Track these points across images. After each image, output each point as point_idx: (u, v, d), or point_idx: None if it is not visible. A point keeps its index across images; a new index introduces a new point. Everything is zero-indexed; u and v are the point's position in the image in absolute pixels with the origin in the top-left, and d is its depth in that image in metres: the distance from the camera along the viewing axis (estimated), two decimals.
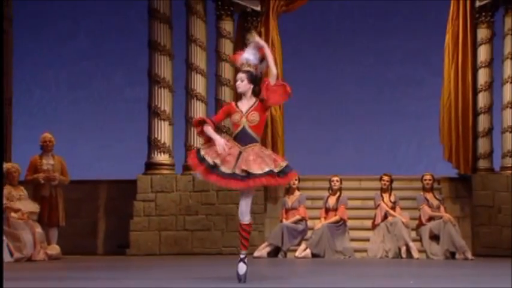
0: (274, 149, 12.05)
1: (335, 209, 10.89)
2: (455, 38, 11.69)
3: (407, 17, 13.51)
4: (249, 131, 6.16)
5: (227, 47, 12.04)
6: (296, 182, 11.09)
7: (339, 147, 13.90)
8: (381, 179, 11.03)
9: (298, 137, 13.06)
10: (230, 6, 12.04)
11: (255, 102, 6.24)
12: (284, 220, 10.93)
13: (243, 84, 6.25)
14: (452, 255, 10.47)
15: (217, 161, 6.00)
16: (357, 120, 13.99)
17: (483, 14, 11.68)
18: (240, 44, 12.26)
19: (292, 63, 12.79)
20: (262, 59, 6.30)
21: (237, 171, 5.99)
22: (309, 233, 10.92)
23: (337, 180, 11.00)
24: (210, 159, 6.01)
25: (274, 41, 12.07)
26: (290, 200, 11.06)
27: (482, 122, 11.72)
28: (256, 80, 6.28)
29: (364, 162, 13.27)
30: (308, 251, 10.64)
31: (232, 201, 11.65)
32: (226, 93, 12.05)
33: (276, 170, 6.07)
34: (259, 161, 6.03)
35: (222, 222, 11.56)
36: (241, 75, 6.29)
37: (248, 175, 5.98)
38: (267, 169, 6.03)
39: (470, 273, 7.78)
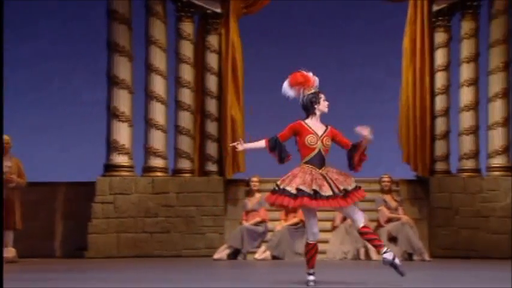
0: (235, 151, 12.03)
1: (295, 211, 10.93)
2: (413, 42, 11.82)
3: (367, 20, 13.63)
4: (323, 154, 6.26)
5: (187, 48, 12.02)
6: (257, 184, 11.11)
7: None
8: None
9: (258, 139, 13.05)
10: (190, 7, 12.01)
11: (327, 127, 6.37)
12: (244, 222, 10.94)
13: (327, 104, 6.43)
14: (410, 256, 10.58)
15: (316, 188, 6.11)
16: None
17: (440, 18, 11.85)
18: (201, 46, 12.26)
19: (253, 66, 12.79)
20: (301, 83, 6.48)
21: (337, 191, 6.14)
22: (269, 235, 10.94)
23: None
24: (307, 189, 6.11)
25: (235, 43, 12.07)
26: (251, 202, 11.07)
27: (440, 125, 11.87)
28: (304, 106, 6.47)
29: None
30: (268, 253, 10.66)
31: (192, 203, 11.63)
32: (186, 95, 12.02)
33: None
34: (345, 179, 6.22)
35: (182, 225, 11.52)
36: (324, 96, 6.40)
37: (346, 193, 6.15)
38: (354, 185, 6.23)
39: (428, 274, 7.87)
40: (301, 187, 6.11)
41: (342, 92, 14.09)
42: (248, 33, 12.38)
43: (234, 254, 10.73)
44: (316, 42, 13.94)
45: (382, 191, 11.10)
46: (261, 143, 6.38)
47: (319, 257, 10.77)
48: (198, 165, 12.18)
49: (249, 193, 11.18)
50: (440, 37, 11.90)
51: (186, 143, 12.00)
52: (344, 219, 10.95)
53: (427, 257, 10.51)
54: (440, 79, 11.91)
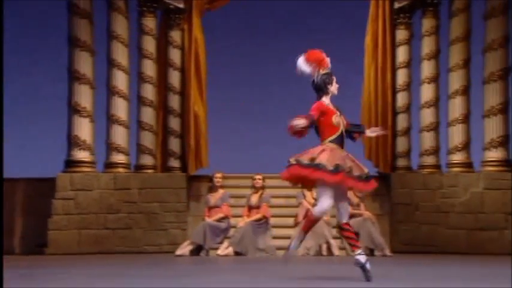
0: (198, 146, 12.03)
1: (258, 207, 10.94)
2: (375, 39, 11.92)
3: (330, 17, 13.69)
4: (344, 135, 6.22)
5: (150, 44, 11.95)
6: (220, 180, 11.10)
7: (262, 146, 13.97)
8: None
9: (221, 135, 13.06)
10: (153, 3, 11.95)
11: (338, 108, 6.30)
12: (207, 218, 10.92)
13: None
14: (371, 252, 10.67)
15: (350, 165, 6.02)
16: (280, 119, 14.05)
17: (401, 15, 11.96)
18: (163, 42, 12.20)
19: (216, 61, 12.78)
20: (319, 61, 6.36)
21: (362, 174, 6.07)
22: (232, 231, 10.93)
23: (259, 179, 11.05)
24: (345, 166, 6.00)
25: (198, 39, 12.04)
26: (213, 198, 11.05)
27: (401, 121, 11.99)
28: (318, 85, 6.37)
29: (287, 161, 13.36)
30: (230, 249, 10.65)
31: (155, 199, 11.58)
32: (148, 91, 11.95)
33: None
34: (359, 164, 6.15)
35: (144, 221, 11.47)
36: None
37: (366, 177, 6.08)
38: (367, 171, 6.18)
39: (389, 269, 7.94)
40: (339, 163, 6.01)
41: (306, 88, 14.14)
42: (211, 29, 12.35)
43: (197, 250, 10.70)
44: (278, 39, 13.97)
45: None
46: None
47: (281, 253, 10.90)
48: (160, 161, 12.13)
49: (212, 189, 11.17)
50: (401, 34, 12.02)
51: (148, 139, 11.94)
52: (307, 215, 10.98)
53: (388, 252, 10.61)
54: (401, 76, 12.03)
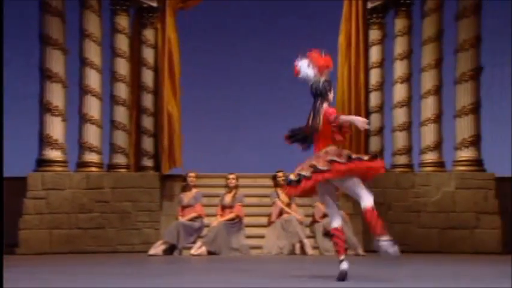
0: (171, 146, 11.99)
1: (231, 207, 10.94)
2: (348, 39, 11.97)
3: (303, 16, 13.73)
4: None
5: (123, 42, 11.89)
6: (194, 180, 11.08)
7: (236, 145, 13.98)
8: (275, 176, 11.17)
9: (195, 134, 13.04)
10: (126, 1, 11.88)
11: None
12: (180, 217, 10.89)
13: None
14: (345, 251, 10.70)
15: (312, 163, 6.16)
16: (253, 119, 14.11)
17: (374, 15, 12.03)
18: (136, 40, 12.14)
19: (190, 61, 12.75)
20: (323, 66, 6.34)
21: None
22: (205, 231, 10.92)
23: (233, 178, 11.05)
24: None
25: (172, 38, 12.00)
26: (186, 197, 11.03)
27: (374, 121, 12.06)
28: (318, 90, 6.35)
29: (260, 160, 13.40)
30: (204, 249, 10.63)
31: (127, 198, 11.52)
32: (121, 90, 11.89)
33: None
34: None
35: (117, 220, 11.41)
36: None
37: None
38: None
39: (362, 268, 7.98)
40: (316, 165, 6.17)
41: (279, 88, 14.18)
42: (185, 28, 12.32)
43: (170, 250, 10.67)
44: (252, 38, 13.98)
45: None
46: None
47: (254, 252, 10.92)
48: (133, 161, 12.07)
49: (186, 188, 11.15)
50: (374, 34, 12.09)
51: (121, 138, 11.87)
52: (280, 214, 11.02)
53: (361, 251, 10.66)
54: (374, 76, 12.10)
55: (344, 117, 6.17)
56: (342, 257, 6.19)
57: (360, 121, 6.08)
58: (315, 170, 6.13)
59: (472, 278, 6.80)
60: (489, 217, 11.30)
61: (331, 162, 6.07)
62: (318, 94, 6.32)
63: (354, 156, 6.16)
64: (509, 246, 11.36)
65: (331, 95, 6.36)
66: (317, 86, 6.31)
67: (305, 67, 6.38)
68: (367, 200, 6.19)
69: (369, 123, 6.23)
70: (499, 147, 12.43)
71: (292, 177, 6.33)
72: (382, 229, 6.12)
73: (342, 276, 6.14)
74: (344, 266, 6.16)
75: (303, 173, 6.20)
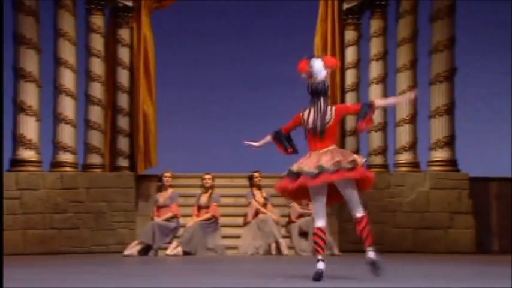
0: (147, 146, 11.95)
1: (207, 207, 10.94)
2: (324, 39, 12.01)
3: (280, 16, 13.77)
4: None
5: (98, 42, 11.82)
6: (170, 180, 11.06)
7: (212, 145, 13.97)
8: (252, 177, 11.18)
9: (171, 134, 13.02)
10: (101, 0, 11.82)
11: None
12: (156, 218, 10.86)
13: None
14: None
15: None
16: (230, 118, 14.12)
17: (350, 16, 12.09)
18: (112, 40, 12.08)
19: (166, 61, 12.73)
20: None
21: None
22: (181, 231, 10.90)
23: (209, 178, 11.05)
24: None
25: (147, 37, 11.96)
26: (162, 198, 11.00)
27: (350, 121, 12.10)
28: (312, 90, 6.51)
29: (236, 160, 13.39)
30: (179, 249, 10.62)
31: (102, 199, 11.47)
32: (96, 89, 11.83)
33: None
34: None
35: (92, 221, 11.35)
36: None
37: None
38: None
39: (337, 268, 8.03)
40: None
41: (255, 88, 14.21)
42: (161, 28, 12.29)
43: (145, 250, 10.64)
44: (229, 38, 13.99)
45: None
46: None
47: (230, 252, 10.92)
48: (108, 161, 12.02)
49: (161, 188, 11.12)
50: (350, 35, 12.14)
51: (96, 138, 11.81)
52: (256, 214, 11.03)
53: (336, 251, 10.72)
54: (350, 76, 12.16)
55: (382, 102, 6.52)
56: (320, 257, 6.21)
57: (405, 98, 6.46)
58: (322, 170, 6.13)
59: (446, 278, 6.87)
60: (463, 217, 11.41)
61: (339, 164, 6.15)
62: (321, 93, 6.43)
63: (358, 160, 6.20)
64: (483, 245, 11.49)
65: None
66: (322, 86, 6.42)
67: (321, 67, 6.48)
68: (361, 209, 6.28)
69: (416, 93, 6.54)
70: (473, 148, 12.57)
71: (295, 169, 6.30)
72: (372, 239, 6.18)
73: (318, 276, 6.18)
74: (320, 265, 6.20)
75: (305, 169, 6.18)
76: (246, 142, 6.69)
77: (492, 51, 13.58)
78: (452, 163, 11.67)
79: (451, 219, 11.42)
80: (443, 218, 11.42)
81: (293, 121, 6.58)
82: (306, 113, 6.48)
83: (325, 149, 6.30)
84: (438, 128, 11.65)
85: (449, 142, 11.65)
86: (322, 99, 6.43)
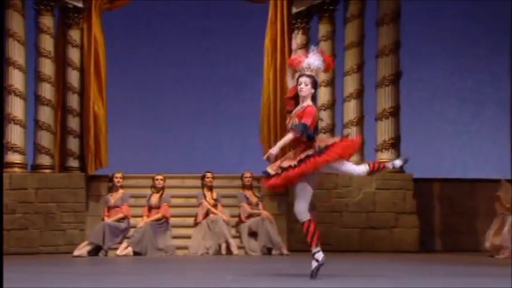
0: (97, 146, 11.95)
1: (158, 207, 11.00)
2: (274, 42, 12.17)
3: (230, 18, 13.87)
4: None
5: (47, 42, 11.77)
6: (120, 180, 11.08)
7: (163, 146, 14.01)
8: (203, 177, 11.28)
9: (121, 135, 13.02)
10: (50, 1, 11.77)
11: (301, 108, 6.32)
12: (106, 218, 10.87)
13: (307, 88, 6.30)
14: (269, 250, 10.93)
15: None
16: (181, 120, 14.17)
17: (299, 20, 12.29)
18: (62, 41, 12.04)
19: (117, 61, 12.73)
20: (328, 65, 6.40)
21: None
22: (132, 231, 10.93)
23: (161, 179, 11.11)
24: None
25: (98, 39, 11.95)
26: (113, 198, 11.01)
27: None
28: (316, 85, 6.39)
29: (187, 161, 13.48)
30: (129, 249, 10.65)
31: (52, 199, 11.43)
32: (46, 90, 11.77)
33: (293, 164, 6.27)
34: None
35: (41, 221, 11.30)
36: (305, 79, 6.31)
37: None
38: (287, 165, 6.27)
39: (286, 267, 8.19)
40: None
41: (207, 89, 14.28)
42: (112, 29, 12.30)
43: (95, 251, 10.64)
44: (179, 39, 14.03)
45: (244, 187, 11.39)
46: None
47: (180, 252, 10.99)
48: (58, 161, 11.98)
49: (112, 189, 11.13)
50: (299, 38, 12.31)
51: (46, 139, 11.76)
52: (206, 214, 11.14)
53: (285, 250, 10.89)
54: None
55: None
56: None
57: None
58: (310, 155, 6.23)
59: (388, 277, 7.08)
60: (407, 217, 11.71)
61: (327, 148, 6.26)
62: (315, 88, 6.50)
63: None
64: (425, 244, 11.82)
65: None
66: (316, 80, 6.48)
67: (319, 61, 6.48)
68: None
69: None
70: (417, 149, 12.88)
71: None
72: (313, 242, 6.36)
73: (315, 271, 6.29)
74: (320, 257, 6.31)
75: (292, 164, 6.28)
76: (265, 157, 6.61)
77: (434, 56, 13.95)
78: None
79: (396, 219, 11.70)
80: (388, 218, 11.69)
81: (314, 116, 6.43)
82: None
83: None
84: (384, 130, 11.92)
85: (395, 144, 11.93)
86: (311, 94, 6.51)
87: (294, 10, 12.22)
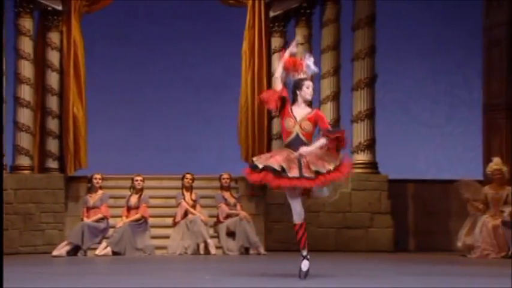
0: (77, 147, 12.02)
1: (137, 208, 11.09)
2: (251, 45, 12.31)
3: (210, 21, 13.97)
4: (303, 138, 6.34)
5: (27, 44, 11.81)
6: (100, 181, 11.16)
7: (142, 147, 14.08)
8: (183, 178, 11.40)
9: (101, 136, 13.08)
10: (29, 3, 11.81)
11: (310, 112, 6.37)
12: (85, 219, 10.95)
13: (311, 91, 6.39)
14: (247, 250, 11.07)
15: (284, 166, 6.18)
16: (160, 121, 14.25)
17: (276, 24, 12.44)
18: (41, 43, 12.09)
19: (98, 64, 12.80)
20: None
21: (306, 174, 6.22)
22: (111, 232, 11.02)
23: (141, 180, 11.20)
24: (276, 165, 6.17)
25: (77, 41, 12.01)
26: (92, 199, 11.09)
27: (276, 125, 12.44)
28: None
29: (166, 162, 13.57)
30: (108, 249, 10.73)
31: (31, 200, 11.48)
32: (26, 92, 11.82)
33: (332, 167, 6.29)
34: (322, 162, 6.28)
35: (20, 222, 11.35)
36: (310, 83, 6.41)
37: (317, 174, 6.23)
38: (331, 167, 6.29)
39: (263, 267, 8.33)
40: (268, 163, 6.25)
41: (185, 91, 14.38)
42: (91, 31, 12.37)
43: (74, 251, 10.72)
44: (159, 42, 14.11)
45: (222, 187, 11.51)
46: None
47: (159, 252, 11.09)
48: (38, 162, 12.03)
49: (91, 190, 11.21)
50: (276, 42, 12.49)
51: (25, 140, 11.80)
52: (185, 215, 11.26)
53: (262, 250, 11.02)
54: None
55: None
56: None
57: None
58: (301, 176, 6.29)
59: (365, 276, 7.24)
60: (382, 217, 11.90)
61: (316, 173, 6.31)
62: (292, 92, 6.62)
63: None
64: (400, 244, 12.03)
65: (302, 92, 6.59)
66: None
67: (313, 65, 6.61)
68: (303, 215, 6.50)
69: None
70: (392, 151, 13.09)
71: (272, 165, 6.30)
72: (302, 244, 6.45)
73: (304, 274, 6.40)
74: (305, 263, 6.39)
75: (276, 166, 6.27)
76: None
77: (409, 60, 14.17)
78: (372, 165, 12.13)
79: (371, 219, 11.89)
80: (364, 218, 11.87)
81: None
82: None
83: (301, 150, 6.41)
84: (360, 132, 12.09)
85: (370, 145, 12.11)
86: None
87: (272, 14, 12.36)
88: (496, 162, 10.96)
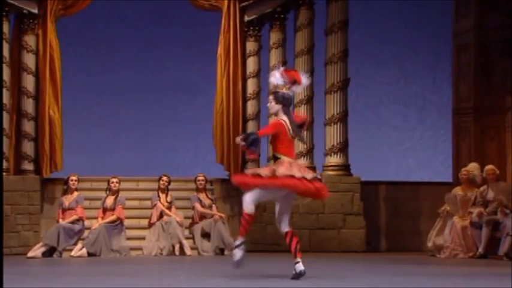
0: (53, 150, 12.06)
1: (113, 209, 11.17)
2: (226, 49, 12.45)
3: (184, 25, 14.08)
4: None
5: (3, 48, 11.81)
6: (75, 183, 11.22)
7: (118, 149, 14.14)
8: (160, 179, 11.50)
9: (76, 138, 13.13)
10: (5, 6, 11.83)
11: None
12: (61, 220, 11.01)
13: (271, 105, 6.62)
14: (222, 251, 11.19)
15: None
16: (136, 124, 14.31)
17: (251, 28, 12.60)
18: (17, 46, 12.12)
19: (73, 67, 12.86)
20: (294, 81, 6.59)
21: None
22: (86, 233, 11.09)
23: (116, 182, 11.29)
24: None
25: (53, 44, 12.06)
26: (67, 200, 11.15)
27: (251, 128, 12.57)
28: (285, 99, 6.52)
29: (142, 164, 13.65)
30: (84, 250, 10.79)
31: (6, 202, 11.45)
32: (4, 96, 11.82)
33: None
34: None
35: None
36: (269, 97, 6.63)
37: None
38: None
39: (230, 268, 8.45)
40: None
41: (160, 94, 14.47)
42: (67, 34, 12.43)
43: (50, 252, 10.76)
44: (133, 45, 14.18)
45: (197, 189, 11.63)
46: None
47: (135, 253, 11.16)
48: (13, 164, 12.05)
49: (67, 191, 11.27)
50: (251, 46, 12.65)
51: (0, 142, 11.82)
52: (160, 216, 11.36)
53: None
54: (251, 85, 12.65)
55: None
56: (298, 260, 6.67)
57: None
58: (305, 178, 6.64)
59: (338, 277, 7.38)
60: (354, 218, 12.09)
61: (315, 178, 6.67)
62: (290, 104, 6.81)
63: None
64: (371, 244, 12.25)
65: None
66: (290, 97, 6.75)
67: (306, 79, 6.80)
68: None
69: None
70: (364, 153, 13.30)
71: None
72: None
73: (298, 276, 6.57)
74: (299, 266, 6.61)
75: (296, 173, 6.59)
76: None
77: (380, 63, 14.40)
78: (345, 168, 12.32)
79: (343, 220, 12.08)
80: (336, 219, 12.04)
81: (273, 128, 6.70)
82: (285, 121, 6.68)
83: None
84: (333, 135, 12.27)
85: (343, 148, 12.28)
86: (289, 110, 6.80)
87: (246, 18, 12.52)
88: (470, 166, 11.18)
